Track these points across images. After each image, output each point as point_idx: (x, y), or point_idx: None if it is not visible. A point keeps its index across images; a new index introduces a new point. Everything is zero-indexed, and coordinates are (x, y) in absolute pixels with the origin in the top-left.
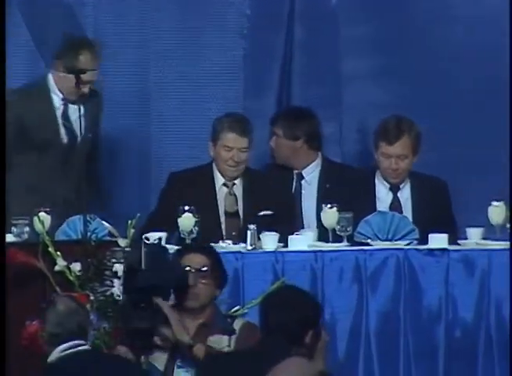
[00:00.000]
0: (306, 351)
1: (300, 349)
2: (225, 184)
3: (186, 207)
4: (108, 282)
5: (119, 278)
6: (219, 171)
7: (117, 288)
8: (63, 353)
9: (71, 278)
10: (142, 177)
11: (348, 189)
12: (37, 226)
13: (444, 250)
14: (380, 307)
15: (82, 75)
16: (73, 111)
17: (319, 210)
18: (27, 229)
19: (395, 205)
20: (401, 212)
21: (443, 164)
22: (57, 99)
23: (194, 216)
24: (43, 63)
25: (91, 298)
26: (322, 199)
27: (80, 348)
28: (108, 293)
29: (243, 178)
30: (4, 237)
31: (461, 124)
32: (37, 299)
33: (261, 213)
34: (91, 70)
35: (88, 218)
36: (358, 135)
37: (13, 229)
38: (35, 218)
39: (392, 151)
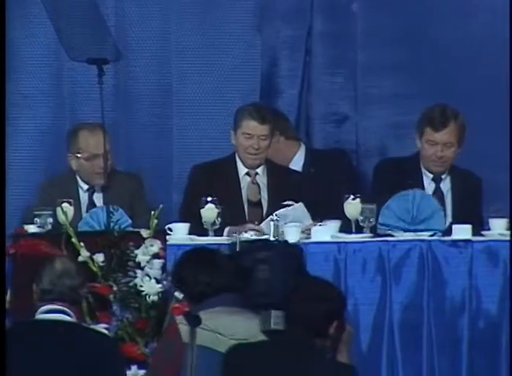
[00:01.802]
0: (330, 343)
1: (324, 341)
2: (247, 173)
3: (209, 199)
4: (131, 273)
5: (142, 269)
6: (240, 160)
7: (139, 279)
8: (44, 315)
9: (94, 269)
10: (164, 168)
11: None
12: (61, 217)
13: (467, 241)
14: (403, 298)
15: (97, 161)
16: (99, 200)
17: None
18: (50, 219)
19: (438, 195)
20: (443, 203)
21: (469, 155)
22: (82, 193)
23: (217, 207)
24: (65, 55)
25: (115, 288)
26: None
27: (60, 315)
28: (131, 284)
29: (266, 167)
30: (4, 237)
31: (485, 114)
32: None
33: (285, 203)
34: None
35: (111, 209)
36: (375, 126)
37: (36, 219)
38: (58, 209)
39: (439, 138)
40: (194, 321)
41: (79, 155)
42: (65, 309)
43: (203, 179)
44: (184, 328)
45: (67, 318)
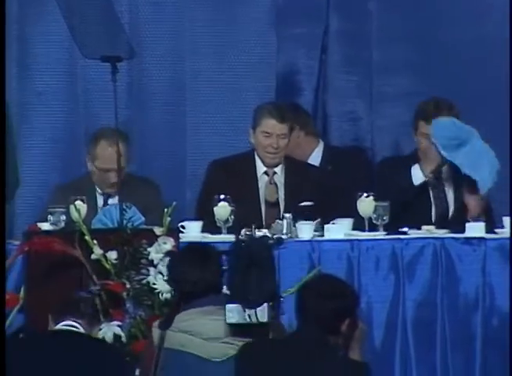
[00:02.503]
0: (343, 340)
1: (337, 338)
2: (266, 172)
3: (222, 196)
4: (144, 270)
5: (155, 266)
6: (259, 159)
7: (152, 276)
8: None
9: (108, 266)
10: (177, 166)
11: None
12: (74, 215)
13: (481, 238)
14: (416, 296)
15: (108, 174)
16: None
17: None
18: (63, 217)
19: (437, 188)
20: (444, 194)
21: None
22: (98, 196)
23: (230, 205)
24: (78, 52)
25: (128, 286)
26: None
27: (68, 327)
28: (144, 281)
29: (284, 167)
30: (4, 237)
31: (496, 114)
32: (74, 287)
33: (302, 204)
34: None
35: (124, 207)
36: (390, 125)
37: (50, 217)
38: (71, 207)
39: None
40: (164, 324)
41: (94, 164)
42: (77, 325)
43: (220, 176)
44: (156, 331)
45: (75, 329)
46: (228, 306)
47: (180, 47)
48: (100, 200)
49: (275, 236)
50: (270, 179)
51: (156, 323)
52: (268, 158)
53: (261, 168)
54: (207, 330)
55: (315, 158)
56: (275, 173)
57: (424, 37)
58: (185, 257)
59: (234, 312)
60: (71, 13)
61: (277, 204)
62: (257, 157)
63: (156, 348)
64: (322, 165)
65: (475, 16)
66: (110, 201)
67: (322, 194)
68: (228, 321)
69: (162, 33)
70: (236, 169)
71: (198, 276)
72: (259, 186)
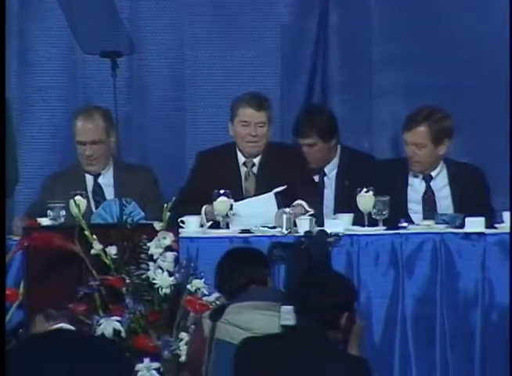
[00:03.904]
0: (341, 334)
1: (336, 333)
2: (244, 164)
3: (222, 191)
4: (144, 265)
5: (154, 261)
6: (239, 150)
7: (152, 271)
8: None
9: (107, 261)
10: (176, 161)
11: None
12: (73, 210)
13: (480, 234)
14: (416, 291)
15: (83, 147)
16: (105, 186)
17: (337, 202)
18: (63, 212)
19: (428, 195)
20: (434, 201)
21: (479, 150)
22: (89, 178)
23: (229, 199)
24: (78, 48)
25: (127, 281)
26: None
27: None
28: (144, 276)
29: (262, 157)
30: (4, 237)
31: (496, 111)
32: (73, 282)
33: (275, 190)
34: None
35: (124, 202)
36: (388, 121)
37: (49, 212)
38: (71, 202)
39: (408, 138)
40: (215, 315)
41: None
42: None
43: (205, 167)
44: (207, 322)
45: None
46: (284, 308)
47: (180, 42)
48: (90, 180)
49: (332, 233)
50: (248, 171)
51: (206, 314)
52: (248, 147)
53: (241, 160)
54: (257, 325)
55: (331, 168)
56: (253, 165)
57: (424, 33)
58: (236, 254)
59: (290, 315)
60: (71, 9)
61: (258, 195)
62: (238, 150)
63: (207, 339)
64: (339, 173)
65: (475, 12)
66: (100, 179)
67: (297, 180)
68: (283, 323)
69: (162, 28)
70: (220, 160)
71: (250, 271)
72: (242, 177)
